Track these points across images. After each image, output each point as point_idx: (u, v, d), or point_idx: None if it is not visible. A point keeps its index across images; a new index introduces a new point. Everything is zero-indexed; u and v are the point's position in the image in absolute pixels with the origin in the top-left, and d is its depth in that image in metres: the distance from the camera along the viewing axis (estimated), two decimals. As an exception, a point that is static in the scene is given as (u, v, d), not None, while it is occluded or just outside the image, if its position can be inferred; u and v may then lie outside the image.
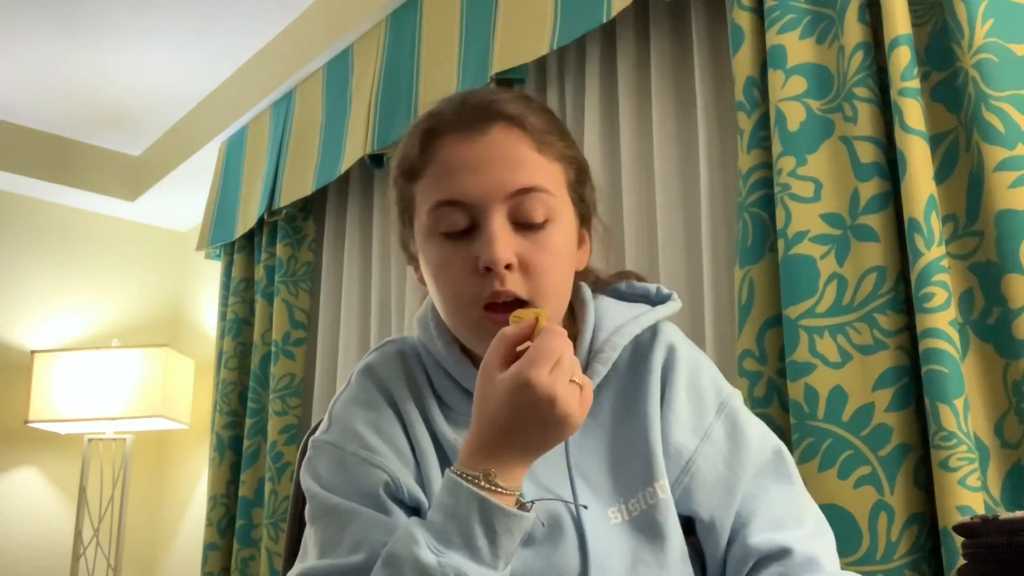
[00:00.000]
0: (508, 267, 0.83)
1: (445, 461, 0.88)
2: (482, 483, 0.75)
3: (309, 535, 0.86)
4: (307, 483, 0.88)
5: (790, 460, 0.94)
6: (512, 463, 0.76)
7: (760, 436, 0.94)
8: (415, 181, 0.90)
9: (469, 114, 0.88)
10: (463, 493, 0.75)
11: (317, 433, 0.93)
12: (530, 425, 0.75)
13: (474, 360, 0.92)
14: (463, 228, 0.86)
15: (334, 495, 0.85)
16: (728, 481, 0.90)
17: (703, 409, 0.93)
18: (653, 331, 0.95)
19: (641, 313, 0.95)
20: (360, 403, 0.91)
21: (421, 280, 0.96)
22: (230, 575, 2.77)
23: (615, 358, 0.92)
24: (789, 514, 0.89)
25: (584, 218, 0.95)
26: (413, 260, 0.97)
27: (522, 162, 0.86)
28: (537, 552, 0.85)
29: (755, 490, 0.90)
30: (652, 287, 1.00)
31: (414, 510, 0.86)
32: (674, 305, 0.98)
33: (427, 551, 0.74)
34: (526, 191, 0.85)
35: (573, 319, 0.96)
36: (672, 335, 0.95)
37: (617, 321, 0.94)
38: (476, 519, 0.74)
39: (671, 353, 0.94)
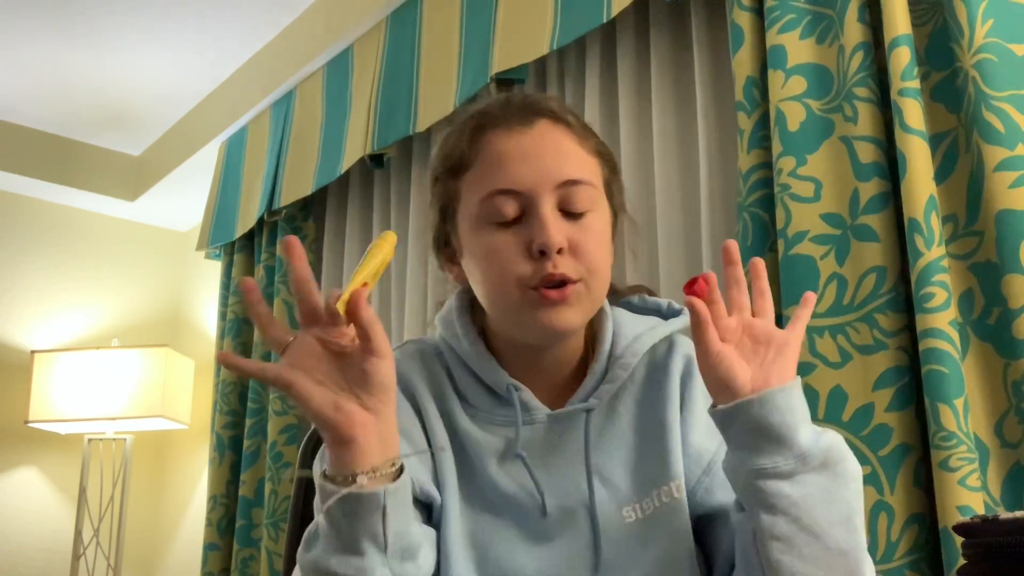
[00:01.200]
0: (559, 251, 0.86)
1: (465, 459, 0.91)
2: (326, 470, 0.75)
3: None
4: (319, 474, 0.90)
5: None
6: (339, 450, 0.74)
7: None
8: (462, 175, 0.93)
9: (515, 110, 0.92)
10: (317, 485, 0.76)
11: None
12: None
13: (499, 357, 0.94)
14: (513, 217, 0.88)
15: None
16: None
17: None
18: (669, 343, 0.98)
19: (656, 325, 0.98)
20: None
21: (458, 277, 0.97)
22: (230, 575, 2.77)
23: (634, 363, 0.94)
24: None
25: (614, 214, 0.98)
26: (448, 260, 0.98)
27: (568, 154, 0.90)
28: (551, 548, 0.87)
29: None
30: (664, 302, 1.03)
31: (425, 505, 0.88)
32: (686, 319, 1.01)
33: (302, 551, 0.77)
34: (573, 183, 0.89)
35: (591, 325, 0.98)
36: (688, 347, 0.98)
37: (635, 331, 0.97)
38: (324, 508, 0.74)
39: (689, 363, 0.96)
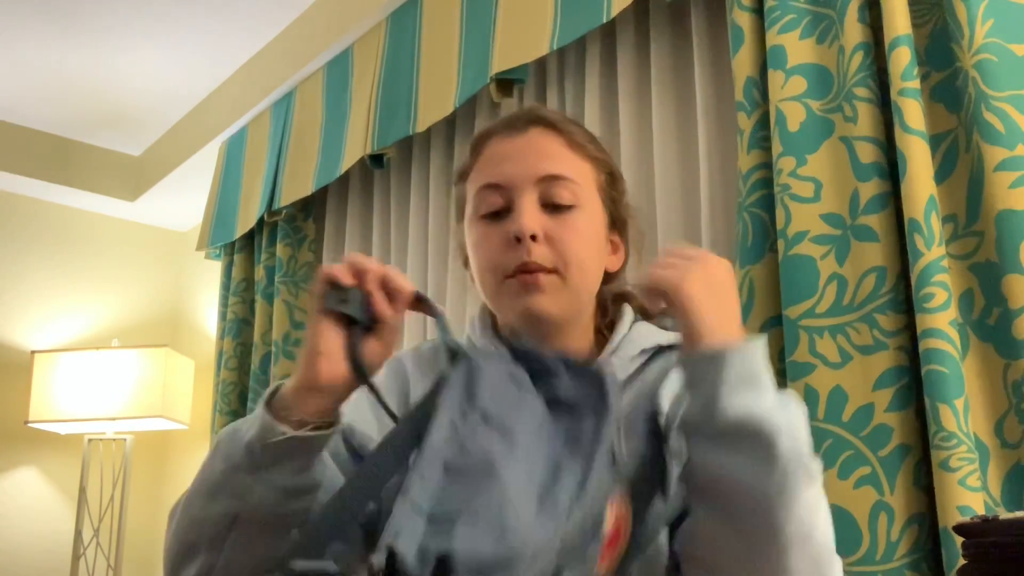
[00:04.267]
0: (534, 238, 0.93)
1: None
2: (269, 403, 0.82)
3: None
4: None
5: None
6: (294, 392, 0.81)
7: None
8: (467, 179, 1.03)
9: (512, 120, 1.01)
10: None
11: None
12: None
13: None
14: (499, 208, 0.96)
15: None
16: None
17: None
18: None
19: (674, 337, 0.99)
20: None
21: (472, 276, 1.03)
22: (230, 575, 2.77)
23: (631, 355, 0.97)
24: None
25: (616, 221, 1.03)
26: (465, 260, 1.06)
27: (553, 154, 0.98)
28: None
29: None
30: None
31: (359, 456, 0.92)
32: None
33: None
34: (554, 178, 0.96)
35: (611, 331, 1.01)
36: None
37: (641, 332, 1.00)
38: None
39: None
